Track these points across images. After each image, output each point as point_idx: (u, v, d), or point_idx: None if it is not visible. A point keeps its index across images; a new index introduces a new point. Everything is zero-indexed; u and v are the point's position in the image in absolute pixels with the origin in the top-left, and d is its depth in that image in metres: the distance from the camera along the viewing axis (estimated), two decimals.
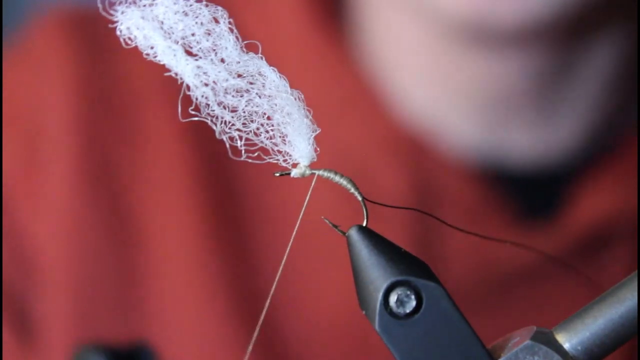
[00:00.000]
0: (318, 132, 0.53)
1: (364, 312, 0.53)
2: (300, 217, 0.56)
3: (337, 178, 0.55)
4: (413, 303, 0.51)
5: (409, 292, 0.52)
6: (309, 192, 0.55)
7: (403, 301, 0.52)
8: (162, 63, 0.47)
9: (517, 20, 0.93)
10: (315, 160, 0.54)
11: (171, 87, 1.05)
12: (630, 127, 1.06)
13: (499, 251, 1.00)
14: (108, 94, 1.07)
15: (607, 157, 1.04)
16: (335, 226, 0.55)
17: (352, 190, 0.55)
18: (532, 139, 1.04)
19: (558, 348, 0.51)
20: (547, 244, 0.98)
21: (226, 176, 1.04)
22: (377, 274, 0.52)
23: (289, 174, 0.54)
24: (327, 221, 0.55)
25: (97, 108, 1.06)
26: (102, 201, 1.04)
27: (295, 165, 0.54)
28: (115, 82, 1.07)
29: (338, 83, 1.03)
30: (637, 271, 0.50)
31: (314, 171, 0.54)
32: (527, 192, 1.04)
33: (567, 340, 0.51)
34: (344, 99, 1.02)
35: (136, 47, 1.07)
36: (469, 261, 0.99)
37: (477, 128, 1.04)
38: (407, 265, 0.52)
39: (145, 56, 0.46)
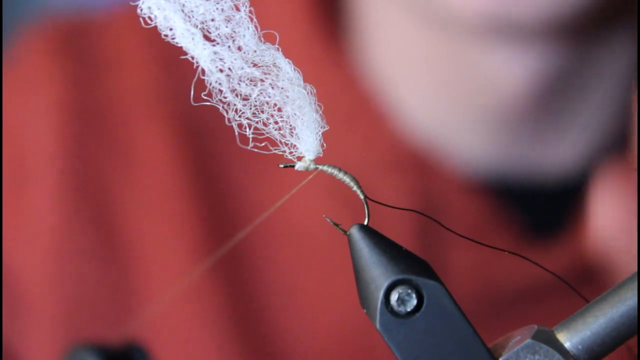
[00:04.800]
0: (327, 128, 0.53)
1: (365, 311, 0.53)
2: (281, 201, 0.56)
3: (340, 175, 0.55)
4: (414, 302, 0.52)
5: (410, 291, 0.52)
6: (301, 184, 0.55)
7: (404, 300, 0.52)
8: (179, 45, 0.47)
9: (535, 16, 0.91)
10: (320, 155, 0.54)
11: (158, 101, 1.05)
12: None
13: (501, 268, 0.98)
14: (94, 111, 1.05)
15: (618, 173, 1.02)
16: (337, 225, 0.55)
17: (355, 188, 0.55)
18: (539, 153, 1.03)
19: (559, 347, 0.51)
20: (554, 261, 0.96)
21: (216, 188, 1.02)
22: (378, 273, 0.52)
23: (294, 166, 0.54)
24: (328, 220, 0.55)
25: (83, 125, 1.04)
26: (89, 220, 1.02)
27: (300, 159, 0.54)
28: (102, 97, 1.05)
29: (339, 98, 1.01)
30: (637, 271, 0.51)
31: (318, 166, 0.54)
32: (533, 209, 1.02)
33: (567, 339, 0.51)
34: (345, 114, 1.01)
35: (123, 61, 1.07)
36: (470, 277, 0.98)
37: (482, 142, 1.02)
38: (409, 263, 0.52)
39: (163, 37, 0.47)
